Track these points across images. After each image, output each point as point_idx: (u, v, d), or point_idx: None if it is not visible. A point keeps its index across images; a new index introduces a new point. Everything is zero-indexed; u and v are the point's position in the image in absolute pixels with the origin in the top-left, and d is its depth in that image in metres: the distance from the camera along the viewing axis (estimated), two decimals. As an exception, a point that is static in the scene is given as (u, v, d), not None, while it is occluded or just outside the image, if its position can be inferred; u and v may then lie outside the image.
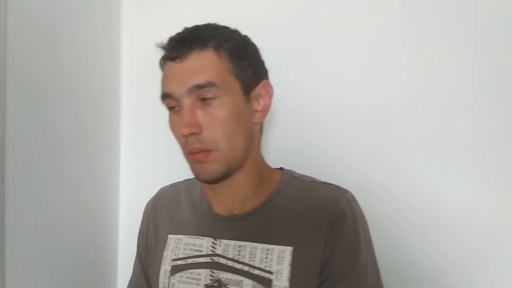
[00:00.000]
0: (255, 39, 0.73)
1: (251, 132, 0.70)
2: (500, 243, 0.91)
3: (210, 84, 0.64)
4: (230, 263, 0.69)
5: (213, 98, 0.65)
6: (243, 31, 0.73)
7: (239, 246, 0.70)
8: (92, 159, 1.05)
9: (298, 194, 0.71)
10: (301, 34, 1.03)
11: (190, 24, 1.11)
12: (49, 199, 0.88)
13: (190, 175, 1.19)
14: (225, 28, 0.70)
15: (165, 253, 0.76)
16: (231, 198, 0.73)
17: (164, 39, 1.15)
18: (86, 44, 1.01)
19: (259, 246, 0.68)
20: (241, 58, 0.67)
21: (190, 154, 0.67)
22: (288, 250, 0.67)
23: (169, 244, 0.76)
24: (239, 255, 0.69)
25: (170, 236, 0.77)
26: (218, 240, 0.72)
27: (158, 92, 1.19)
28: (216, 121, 0.65)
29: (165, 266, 0.75)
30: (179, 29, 1.11)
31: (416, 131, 0.95)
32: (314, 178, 0.74)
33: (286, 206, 0.70)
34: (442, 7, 0.94)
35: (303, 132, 1.03)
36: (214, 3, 1.09)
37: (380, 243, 0.96)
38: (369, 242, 0.70)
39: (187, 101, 0.65)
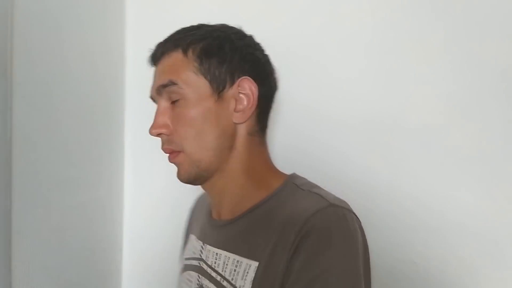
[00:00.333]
0: (259, 36, 0.72)
1: (228, 133, 0.66)
2: (504, 244, 0.91)
3: (171, 83, 0.64)
4: (209, 270, 0.67)
5: (180, 99, 0.64)
6: (247, 29, 0.72)
7: (216, 254, 0.67)
8: (96, 161, 1.06)
9: (285, 204, 0.62)
10: (309, 27, 1.03)
11: (194, 23, 1.11)
12: (54, 201, 0.88)
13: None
14: (207, 27, 0.68)
15: (184, 251, 0.79)
16: (218, 202, 0.70)
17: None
18: (91, 46, 1.01)
19: (232, 256, 0.64)
20: (210, 56, 0.64)
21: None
22: (253, 265, 0.60)
23: (187, 243, 0.79)
24: (215, 263, 0.66)
25: (189, 235, 0.80)
26: (205, 245, 0.70)
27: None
28: (182, 122, 0.65)
29: (181, 264, 0.78)
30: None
31: (422, 131, 0.95)
32: (314, 187, 0.65)
33: (266, 217, 0.63)
34: (445, 9, 0.94)
35: (308, 131, 1.03)
36: (219, 2, 1.10)
37: (384, 243, 0.97)
38: (348, 269, 0.55)
39: (160, 103, 0.67)
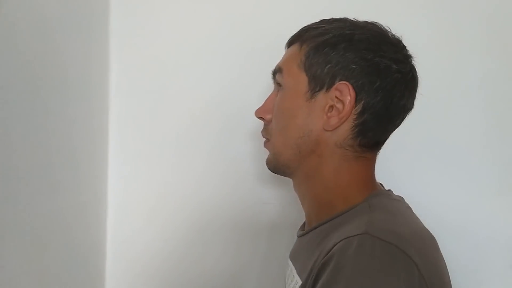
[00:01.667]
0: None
1: (312, 137, 0.62)
2: (506, 246, 0.92)
3: (278, 69, 0.66)
4: (287, 284, 0.66)
5: (281, 88, 0.65)
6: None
7: (289, 266, 0.66)
8: (80, 165, 1.04)
9: (342, 225, 0.57)
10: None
11: (181, 31, 1.11)
12: (37, 206, 0.87)
13: (179, 181, 1.19)
14: (337, 23, 0.64)
15: None
16: (304, 209, 0.68)
17: (152, 45, 1.16)
18: (74, 50, 1.00)
19: (294, 271, 0.62)
20: (318, 54, 0.61)
21: None
22: (298, 284, 0.59)
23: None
24: (288, 278, 0.65)
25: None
26: (289, 260, 0.69)
27: (146, 97, 1.19)
28: (275, 112, 0.66)
29: None
30: (168, 35, 1.12)
31: (419, 133, 0.96)
32: (382, 209, 0.58)
33: (323, 235, 0.59)
34: (444, 4, 0.96)
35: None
36: (206, 8, 1.08)
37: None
38: None
39: (274, 89, 0.69)
